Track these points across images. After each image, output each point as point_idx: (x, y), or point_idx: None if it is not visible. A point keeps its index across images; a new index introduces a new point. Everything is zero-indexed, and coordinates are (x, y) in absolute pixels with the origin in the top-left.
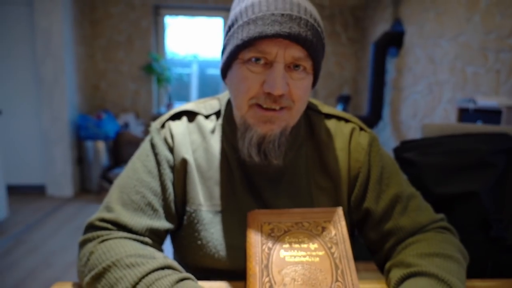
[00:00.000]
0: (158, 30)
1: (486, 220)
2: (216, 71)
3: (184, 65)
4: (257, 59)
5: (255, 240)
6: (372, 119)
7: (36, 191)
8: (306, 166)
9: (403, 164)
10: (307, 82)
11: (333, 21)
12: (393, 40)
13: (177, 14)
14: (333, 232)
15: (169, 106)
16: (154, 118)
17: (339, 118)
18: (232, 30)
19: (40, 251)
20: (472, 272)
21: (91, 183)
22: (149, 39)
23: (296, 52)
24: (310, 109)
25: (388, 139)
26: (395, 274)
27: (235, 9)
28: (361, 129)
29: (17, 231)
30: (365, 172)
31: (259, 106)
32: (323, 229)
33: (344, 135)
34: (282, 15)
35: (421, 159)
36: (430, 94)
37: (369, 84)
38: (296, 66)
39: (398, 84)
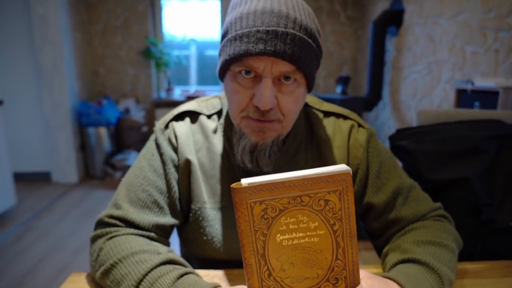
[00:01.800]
0: (155, 13)
1: (477, 204)
2: (215, 52)
3: (182, 47)
4: (247, 72)
5: (246, 228)
6: (371, 99)
7: (42, 178)
8: (306, 163)
9: (398, 151)
10: (298, 93)
11: (332, 0)
12: (393, 19)
13: None
14: (338, 207)
15: (169, 90)
16: (154, 103)
17: (338, 115)
18: (223, 41)
19: (49, 237)
20: (463, 254)
21: (95, 169)
22: (146, 23)
23: (283, 67)
24: (309, 107)
25: (387, 119)
26: (391, 258)
27: (229, 16)
28: (360, 125)
29: (26, 218)
30: (363, 168)
31: (251, 118)
32: (326, 202)
33: (343, 133)
34: (267, 32)
35: (415, 146)
36: (430, 73)
37: (368, 64)
38: (286, 77)
39: (398, 64)
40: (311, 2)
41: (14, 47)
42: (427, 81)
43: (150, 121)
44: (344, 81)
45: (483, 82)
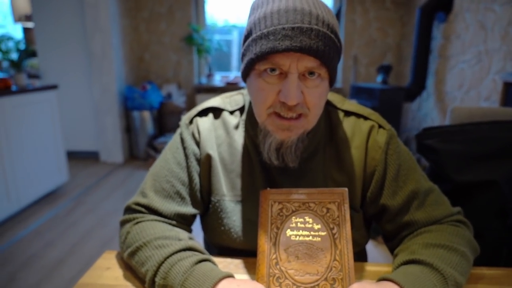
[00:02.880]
0: (197, 0)
1: (504, 208)
2: None
3: (224, 32)
4: (272, 70)
5: (265, 220)
6: (414, 89)
7: (91, 157)
8: (324, 161)
9: (425, 150)
10: (322, 88)
11: None
12: (441, 4)
13: None
14: (336, 214)
15: (210, 76)
16: (195, 88)
17: (358, 115)
18: (248, 41)
19: (96, 212)
20: (487, 259)
21: (139, 151)
22: (189, 10)
23: (309, 63)
24: (330, 105)
25: (431, 110)
26: (398, 259)
27: (250, 18)
28: (380, 126)
29: (76, 193)
30: (381, 170)
31: (277, 114)
32: (328, 210)
33: (362, 133)
34: (293, 28)
35: (442, 146)
36: (479, 63)
37: (413, 52)
38: (311, 73)
39: (445, 52)
40: None
41: (68, 36)
42: (475, 72)
43: (191, 106)
44: (385, 70)
45: None
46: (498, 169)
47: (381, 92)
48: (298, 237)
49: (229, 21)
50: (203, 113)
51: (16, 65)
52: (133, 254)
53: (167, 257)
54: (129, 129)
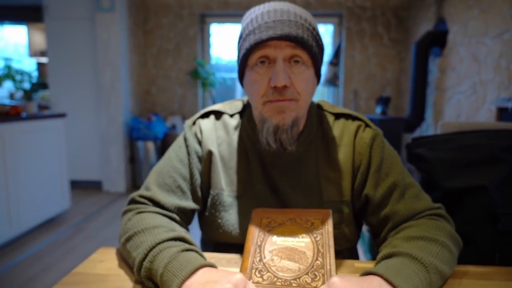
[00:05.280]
0: (203, 37)
1: (494, 213)
2: None
3: (228, 70)
4: (262, 62)
5: (254, 229)
6: (413, 120)
7: (94, 186)
8: (316, 159)
9: (415, 159)
10: (308, 74)
11: (375, 23)
12: (436, 40)
13: (221, 22)
14: (320, 226)
15: None
16: None
17: (347, 116)
18: (240, 42)
19: (96, 239)
20: (481, 263)
21: (141, 181)
22: (195, 46)
23: (290, 47)
24: (322, 109)
25: None
26: (381, 254)
27: (242, 25)
28: (367, 125)
29: (77, 220)
30: (365, 163)
31: (271, 101)
32: (312, 224)
33: (350, 132)
34: (274, 21)
35: (431, 154)
36: (474, 94)
37: (410, 85)
38: (296, 61)
39: (441, 85)
40: (353, 25)
41: (80, 68)
42: (471, 102)
43: None
44: (384, 101)
45: None
46: (486, 175)
47: (381, 122)
48: (283, 242)
49: (232, 60)
50: (205, 115)
51: (28, 95)
52: (129, 238)
53: (159, 243)
54: (133, 159)
